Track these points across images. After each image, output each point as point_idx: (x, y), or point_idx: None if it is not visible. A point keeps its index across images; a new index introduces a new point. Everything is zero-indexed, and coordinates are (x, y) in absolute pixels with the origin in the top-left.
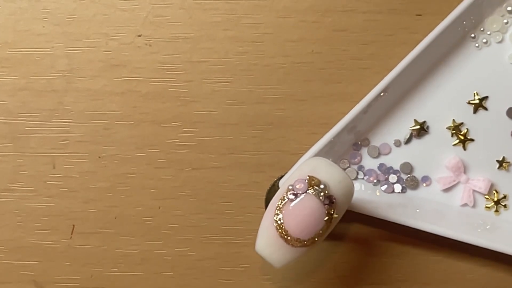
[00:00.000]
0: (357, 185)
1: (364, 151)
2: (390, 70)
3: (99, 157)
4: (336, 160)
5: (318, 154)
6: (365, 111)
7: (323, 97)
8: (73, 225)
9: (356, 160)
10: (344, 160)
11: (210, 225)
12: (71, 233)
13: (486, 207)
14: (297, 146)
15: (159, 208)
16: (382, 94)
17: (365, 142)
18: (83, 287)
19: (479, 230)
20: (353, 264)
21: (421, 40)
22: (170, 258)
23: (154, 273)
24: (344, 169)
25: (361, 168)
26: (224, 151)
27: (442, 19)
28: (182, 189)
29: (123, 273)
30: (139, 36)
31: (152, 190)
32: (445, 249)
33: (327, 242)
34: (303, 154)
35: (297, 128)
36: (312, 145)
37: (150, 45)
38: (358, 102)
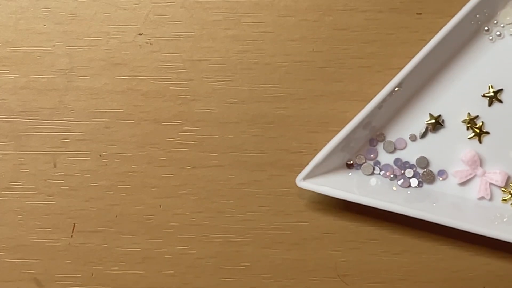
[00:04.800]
0: (373, 180)
1: (380, 146)
2: (391, 68)
3: (100, 155)
4: (352, 156)
5: (334, 150)
6: (380, 106)
7: (323, 96)
8: (74, 224)
9: (372, 155)
10: (360, 156)
11: (210, 223)
12: (72, 232)
13: (503, 199)
14: (298, 145)
15: (160, 206)
16: (396, 89)
17: (381, 137)
18: (84, 286)
19: (496, 223)
20: (353, 263)
21: (421, 39)
22: (171, 256)
23: (155, 271)
24: (360, 165)
25: (377, 163)
26: (225, 149)
27: (443, 18)
28: (183, 188)
29: (124, 272)
30: (140, 34)
31: (153, 189)
32: (445, 248)
33: (328, 241)
34: (303, 152)
35: (297, 127)
36: (313, 143)
37: (151, 44)
38: (359, 100)
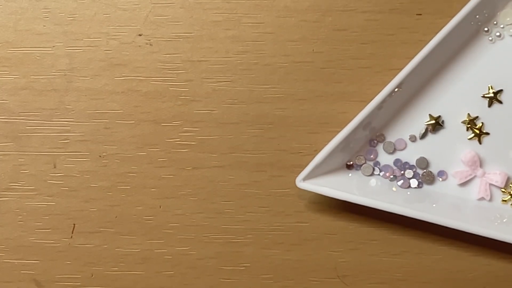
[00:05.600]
0: (373, 181)
1: (380, 147)
2: (391, 69)
3: (100, 156)
4: (352, 157)
5: (334, 150)
6: (380, 107)
7: (323, 97)
8: (74, 224)
9: (371, 156)
10: (360, 157)
11: (210, 224)
12: (72, 232)
13: (503, 200)
14: (298, 146)
15: (160, 207)
16: (396, 89)
17: (381, 138)
18: (84, 286)
19: (496, 223)
20: (353, 263)
21: (421, 40)
22: (170, 257)
23: (154, 272)
24: (360, 166)
25: (377, 164)
26: (225, 150)
27: (443, 19)
28: (183, 188)
29: (123, 272)
30: (140, 35)
31: (152, 189)
32: (445, 248)
33: (328, 242)
34: (303, 153)
35: (297, 128)
36: (313, 144)
37: (150, 45)
38: (358, 101)
